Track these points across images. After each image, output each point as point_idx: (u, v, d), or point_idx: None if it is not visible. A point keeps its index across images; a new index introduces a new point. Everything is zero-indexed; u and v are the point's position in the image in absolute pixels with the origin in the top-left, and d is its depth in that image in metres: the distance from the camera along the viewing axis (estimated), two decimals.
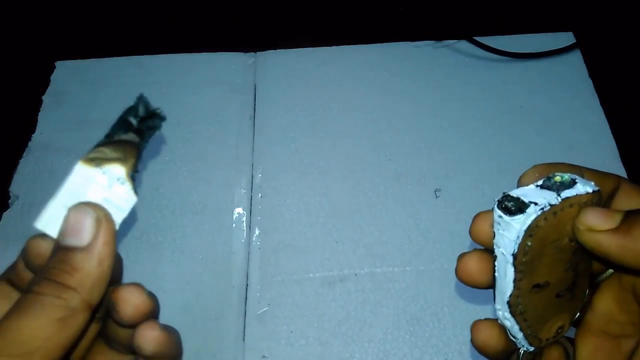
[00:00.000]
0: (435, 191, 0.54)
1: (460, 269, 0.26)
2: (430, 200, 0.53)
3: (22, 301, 0.23)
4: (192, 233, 0.52)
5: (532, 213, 0.22)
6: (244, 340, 0.47)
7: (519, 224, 0.22)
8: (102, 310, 0.28)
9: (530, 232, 0.22)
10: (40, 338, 0.22)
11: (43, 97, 0.61)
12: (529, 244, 0.22)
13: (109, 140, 0.26)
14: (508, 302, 0.23)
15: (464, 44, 0.63)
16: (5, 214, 0.53)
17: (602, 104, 0.58)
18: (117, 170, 0.25)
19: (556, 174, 0.22)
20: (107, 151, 0.26)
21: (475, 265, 0.25)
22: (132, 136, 0.26)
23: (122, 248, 0.51)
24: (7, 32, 0.67)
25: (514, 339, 0.25)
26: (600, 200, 0.23)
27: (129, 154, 0.26)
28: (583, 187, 0.22)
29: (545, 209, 0.21)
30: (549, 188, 0.22)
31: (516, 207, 0.22)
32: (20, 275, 0.26)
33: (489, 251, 0.25)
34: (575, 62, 0.62)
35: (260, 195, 0.54)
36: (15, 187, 0.55)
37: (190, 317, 0.47)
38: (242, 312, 0.48)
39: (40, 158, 0.57)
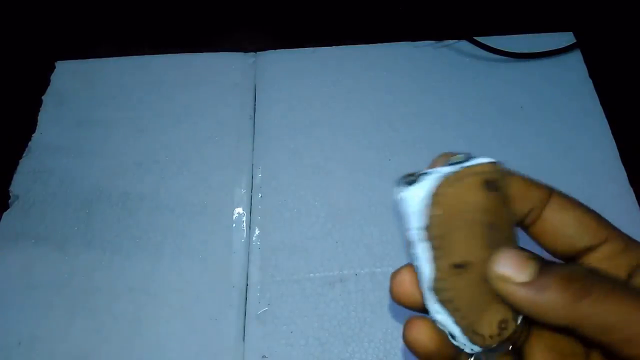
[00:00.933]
0: None
1: (396, 287, 0.24)
2: None
3: None
4: (192, 233, 0.52)
5: (431, 178, 0.22)
6: (244, 340, 0.47)
7: (421, 190, 0.21)
8: None
9: (436, 198, 0.21)
10: None
11: (43, 97, 0.61)
12: (438, 212, 0.21)
13: None
14: (433, 289, 0.22)
15: (464, 44, 0.63)
16: (5, 214, 0.53)
17: (602, 104, 0.58)
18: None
19: (458, 154, 0.23)
20: None
21: (412, 280, 0.23)
22: None
23: (121, 248, 0.51)
24: (7, 32, 0.67)
25: (454, 341, 0.23)
26: (501, 175, 0.22)
27: None
28: (481, 159, 0.22)
29: (444, 174, 0.21)
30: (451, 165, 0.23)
31: (416, 179, 0.22)
32: None
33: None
34: (575, 62, 0.62)
35: (260, 195, 0.54)
36: (15, 187, 0.55)
37: (190, 317, 0.47)
38: (242, 312, 0.48)
39: (40, 158, 0.57)
